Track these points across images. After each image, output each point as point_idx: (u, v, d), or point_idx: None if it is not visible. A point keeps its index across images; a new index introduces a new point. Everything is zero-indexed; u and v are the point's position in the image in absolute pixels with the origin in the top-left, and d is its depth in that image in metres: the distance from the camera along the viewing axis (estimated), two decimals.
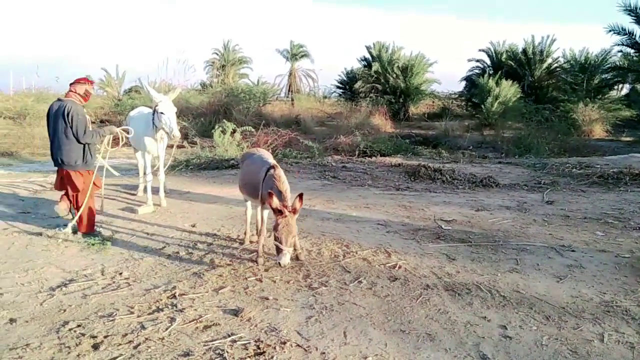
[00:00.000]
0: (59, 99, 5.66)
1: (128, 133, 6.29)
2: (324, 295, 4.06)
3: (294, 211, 4.28)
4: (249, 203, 5.39)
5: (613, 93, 26.73)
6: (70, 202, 5.69)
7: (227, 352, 3.13)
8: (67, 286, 4.21)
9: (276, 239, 4.21)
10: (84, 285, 4.25)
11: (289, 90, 36.27)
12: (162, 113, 6.51)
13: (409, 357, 3.13)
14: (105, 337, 3.32)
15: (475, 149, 17.39)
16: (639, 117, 22.24)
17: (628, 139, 20.33)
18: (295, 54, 36.53)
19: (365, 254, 5.10)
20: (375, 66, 30.22)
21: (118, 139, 6.28)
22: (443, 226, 6.20)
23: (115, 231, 5.84)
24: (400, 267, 4.73)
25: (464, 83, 32.71)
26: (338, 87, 36.91)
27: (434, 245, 5.44)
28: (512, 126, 21.07)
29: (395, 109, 27.91)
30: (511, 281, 4.41)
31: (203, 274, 4.49)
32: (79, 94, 5.65)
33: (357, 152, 14.42)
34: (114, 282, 4.31)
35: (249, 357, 3.09)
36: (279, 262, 4.20)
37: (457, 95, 33.11)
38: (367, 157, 13.67)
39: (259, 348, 3.19)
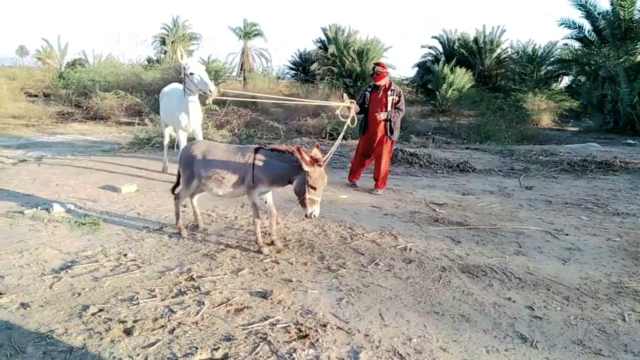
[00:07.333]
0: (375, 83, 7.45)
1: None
2: (346, 277, 4.01)
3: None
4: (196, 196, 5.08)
5: (554, 85, 27.95)
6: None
7: (270, 335, 3.03)
8: (72, 268, 3.93)
9: (312, 189, 4.05)
10: (90, 267, 3.98)
11: (241, 69, 35.49)
12: (192, 73, 6.34)
13: (452, 338, 3.14)
14: (135, 322, 3.12)
15: (434, 134, 17.69)
16: (582, 108, 23.40)
17: (573, 128, 21.36)
18: (248, 33, 35.86)
19: (372, 237, 5.07)
20: (332, 48, 29.98)
21: None
22: (437, 210, 6.28)
23: (104, 212, 5.54)
24: (410, 249, 4.74)
25: (416, 69, 33.34)
26: (291, 69, 36.58)
27: (435, 228, 5.49)
28: (466, 113, 21.61)
29: (352, 93, 27.95)
30: (520, 263, 4.52)
31: (215, 256, 4.32)
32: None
33: (325, 134, 14.31)
34: (121, 264, 4.07)
35: (294, 340, 3.00)
36: (313, 214, 4.09)
37: (408, 82, 33.64)
38: (334, 140, 13.58)
39: (301, 331, 3.10)
